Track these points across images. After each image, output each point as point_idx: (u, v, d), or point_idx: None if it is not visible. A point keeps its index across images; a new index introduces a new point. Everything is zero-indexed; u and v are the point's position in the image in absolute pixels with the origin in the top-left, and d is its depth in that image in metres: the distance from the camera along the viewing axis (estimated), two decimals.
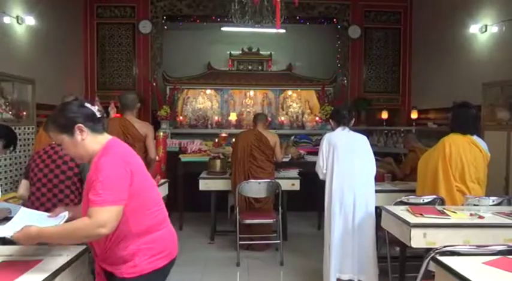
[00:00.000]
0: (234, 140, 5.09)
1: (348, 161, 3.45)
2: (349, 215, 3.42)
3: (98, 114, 1.83)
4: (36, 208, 2.61)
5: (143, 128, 3.82)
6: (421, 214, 2.81)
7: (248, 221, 4.37)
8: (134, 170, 1.76)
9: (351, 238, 3.43)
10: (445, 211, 2.88)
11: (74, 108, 1.80)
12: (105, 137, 1.84)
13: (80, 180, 2.66)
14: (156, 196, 1.90)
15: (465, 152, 3.22)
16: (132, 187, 1.73)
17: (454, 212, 2.87)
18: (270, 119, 7.23)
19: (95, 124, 1.81)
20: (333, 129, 3.67)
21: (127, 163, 1.76)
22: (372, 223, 3.47)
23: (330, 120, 3.79)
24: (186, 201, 5.48)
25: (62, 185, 2.63)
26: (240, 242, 4.32)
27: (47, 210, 2.60)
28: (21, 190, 2.71)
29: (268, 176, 4.58)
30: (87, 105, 1.83)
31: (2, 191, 3.69)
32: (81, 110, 1.79)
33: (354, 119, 3.75)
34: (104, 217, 1.63)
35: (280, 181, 4.54)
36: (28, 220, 1.89)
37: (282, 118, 7.95)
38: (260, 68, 8.16)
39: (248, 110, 8.03)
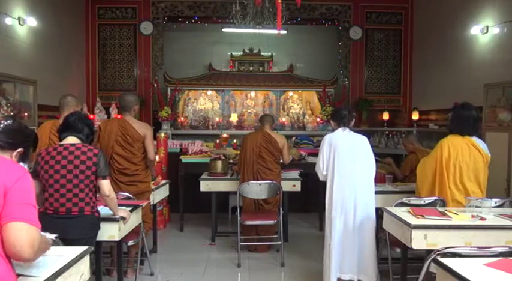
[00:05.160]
0: (239, 140, 5.07)
1: (349, 162, 3.45)
2: (350, 215, 3.42)
3: None
4: (56, 208, 2.65)
5: (142, 128, 3.82)
6: (422, 216, 2.81)
7: (249, 222, 4.36)
8: None
9: (351, 238, 3.43)
10: (446, 212, 2.88)
11: None
12: None
13: (96, 177, 2.73)
14: None
15: (464, 154, 3.21)
16: None
17: (456, 213, 2.86)
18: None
19: None
20: (333, 130, 3.67)
21: None
22: (372, 223, 3.47)
23: (330, 121, 3.78)
24: (187, 202, 5.48)
25: (82, 184, 2.68)
26: (241, 243, 4.32)
27: (67, 210, 2.64)
28: (37, 188, 2.71)
29: (275, 178, 4.57)
30: None
31: None
32: None
33: (354, 120, 3.75)
34: None
35: (281, 182, 4.54)
36: None
37: (283, 119, 7.96)
38: (261, 69, 8.17)
39: (249, 111, 8.05)
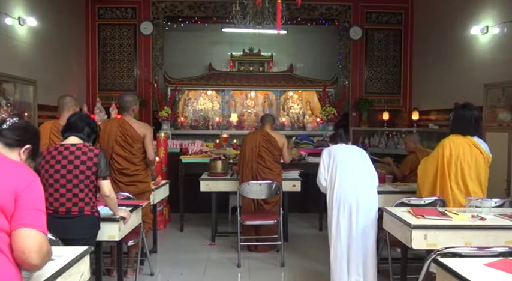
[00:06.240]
0: (239, 140, 5.07)
1: (349, 168, 3.47)
2: (353, 219, 3.40)
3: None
4: (56, 208, 2.64)
5: (141, 128, 3.81)
6: (423, 216, 2.81)
7: (249, 222, 4.37)
8: None
9: (354, 241, 3.42)
10: (446, 212, 2.88)
11: None
12: None
13: (97, 177, 2.73)
14: None
15: (465, 154, 3.21)
16: None
17: (456, 213, 2.86)
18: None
19: None
20: None
21: None
22: (374, 227, 3.46)
23: (329, 144, 3.95)
24: (187, 202, 5.48)
25: (81, 184, 2.68)
26: (241, 243, 4.32)
27: (67, 210, 2.64)
28: None
29: (276, 177, 4.57)
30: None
31: None
32: None
33: (350, 141, 3.92)
34: None
35: (281, 182, 4.54)
36: None
37: (283, 119, 7.96)
38: (261, 69, 8.18)
39: (249, 111, 8.05)
